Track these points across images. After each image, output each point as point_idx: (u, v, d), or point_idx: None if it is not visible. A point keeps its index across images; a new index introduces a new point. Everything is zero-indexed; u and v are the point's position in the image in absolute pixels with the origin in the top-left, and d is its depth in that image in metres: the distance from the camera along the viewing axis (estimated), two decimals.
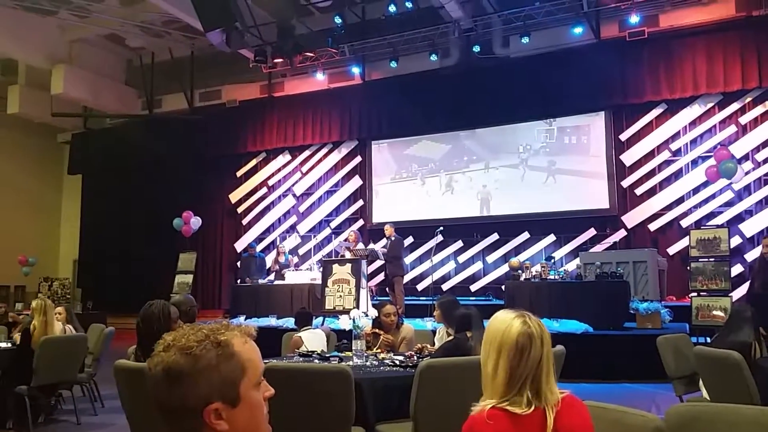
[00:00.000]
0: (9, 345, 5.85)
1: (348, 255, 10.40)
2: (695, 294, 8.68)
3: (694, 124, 10.87)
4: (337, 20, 12.00)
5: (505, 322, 1.96)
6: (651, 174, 11.11)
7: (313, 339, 5.37)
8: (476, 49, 11.70)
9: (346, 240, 11.20)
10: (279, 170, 14.50)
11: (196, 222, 13.24)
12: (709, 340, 6.98)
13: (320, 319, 9.07)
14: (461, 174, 12.71)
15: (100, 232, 16.19)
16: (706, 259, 8.74)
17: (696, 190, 10.71)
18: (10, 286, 15.75)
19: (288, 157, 14.41)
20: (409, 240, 12.26)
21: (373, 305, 5.84)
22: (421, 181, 13.08)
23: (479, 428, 1.82)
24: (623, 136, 11.34)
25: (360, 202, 13.64)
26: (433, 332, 5.47)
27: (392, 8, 11.09)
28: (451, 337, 4.39)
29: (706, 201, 10.62)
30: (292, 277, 11.14)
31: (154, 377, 1.10)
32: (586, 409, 1.92)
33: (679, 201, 10.84)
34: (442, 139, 12.97)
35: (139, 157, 15.09)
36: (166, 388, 1.09)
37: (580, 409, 1.90)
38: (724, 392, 3.83)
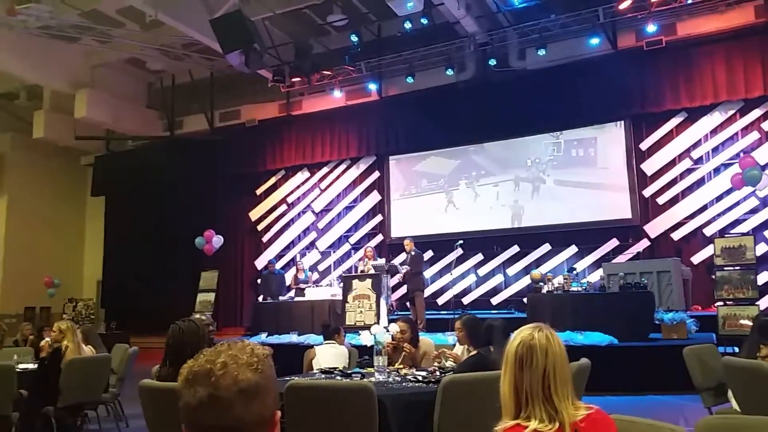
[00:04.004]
0: (34, 366, 5.93)
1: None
2: (721, 303, 8.53)
3: (715, 131, 10.74)
4: (354, 38, 12.11)
5: (515, 335, 1.95)
6: (673, 183, 10.98)
7: (328, 354, 5.33)
8: (492, 62, 11.71)
9: (363, 258, 11.21)
10: (298, 187, 14.59)
11: (217, 241, 13.34)
12: (737, 350, 6.83)
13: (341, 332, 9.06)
14: (477, 188, 12.69)
15: (123, 253, 16.39)
16: (732, 268, 8.59)
17: (719, 198, 10.56)
18: (35, 308, 15.97)
19: (307, 174, 14.50)
20: (428, 254, 12.21)
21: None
22: (436, 195, 13.09)
23: None
24: (643, 146, 11.24)
25: (379, 217, 13.66)
26: (453, 347, 5.43)
27: (408, 25, 11.16)
28: (474, 352, 4.36)
29: (729, 209, 10.45)
30: (312, 294, 11.16)
31: (227, 399, 1.11)
32: (614, 424, 1.88)
33: (702, 209, 10.68)
34: (454, 154, 13.00)
35: (161, 178, 15.30)
36: (245, 404, 1.12)
37: (607, 424, 1.87)
38: (755, 404, 3.74)
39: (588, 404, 1.90)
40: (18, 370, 5.55)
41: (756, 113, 10.40)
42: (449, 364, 4.64)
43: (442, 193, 13.03)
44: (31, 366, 5.99)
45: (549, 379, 1.83)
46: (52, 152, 16.68)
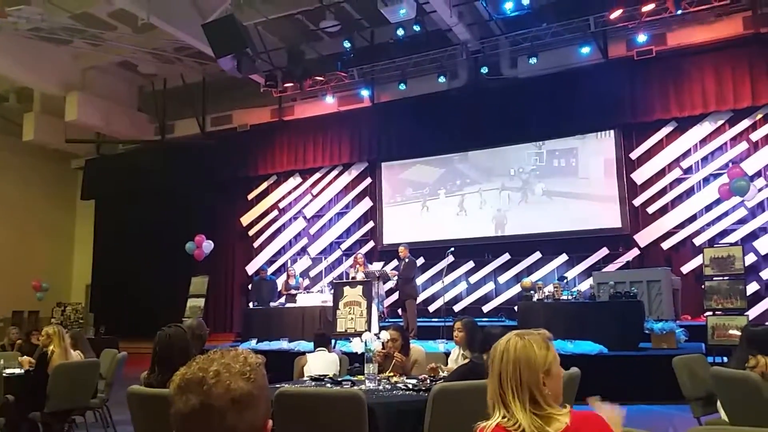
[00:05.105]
0: (21, 371, 5.88)
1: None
2: (710, 313, 8.57)
3: (704, 141, 10.83)
4: (346, 44, 12.12)
5: None
6: (662, 192, 11.05)
7: (320, 361, 5.33)
8: (484, 70, 11.76)
9: (354, 265, 11.19)
10: (290, 193, 14.57)
11: (208, 246, 13.28)
12: (726, 360, 6.87)
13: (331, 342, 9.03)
14: (468, 195, 12.72)
15: (112, 257, 16.29)
16: (721, 278, 8.64)
17: (708, 208, 10.64)
18: (23, 312, 15.82)
19: (298, 179, 14.48)
20: (419, 261, 12.21)
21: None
22: (421, 203, 13.13)
23: None
24: (633, 155, 11.31)
25: (370, 224, 13.65)
26: (446, 354, 5.42)
27: (400, 32, 11.19)
28: (467, 360, 4.36)
29: (719, 218, 10.53)
30: (303, 300, 11.12)
31: (219, 409, 1.11)
32: (608, 426, 1.89)
33: (692, 219, 10.76)
34: (439, 163, 13.06)
35: (152, 182, 15.23)
36: (237, 414, 1.12)
37: (599, 425, 1.87)
38: (744, 414, 3.76)
39: (582, 411, 1.91)
40: (5, 375, 5.50)
41: (744, 123, 10.50)
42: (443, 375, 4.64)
43: (429, 201, 13.05)
44: (18, 371, 5.93)
45: (504, 383, 1.88)
46: (42, 155, 16.58)
